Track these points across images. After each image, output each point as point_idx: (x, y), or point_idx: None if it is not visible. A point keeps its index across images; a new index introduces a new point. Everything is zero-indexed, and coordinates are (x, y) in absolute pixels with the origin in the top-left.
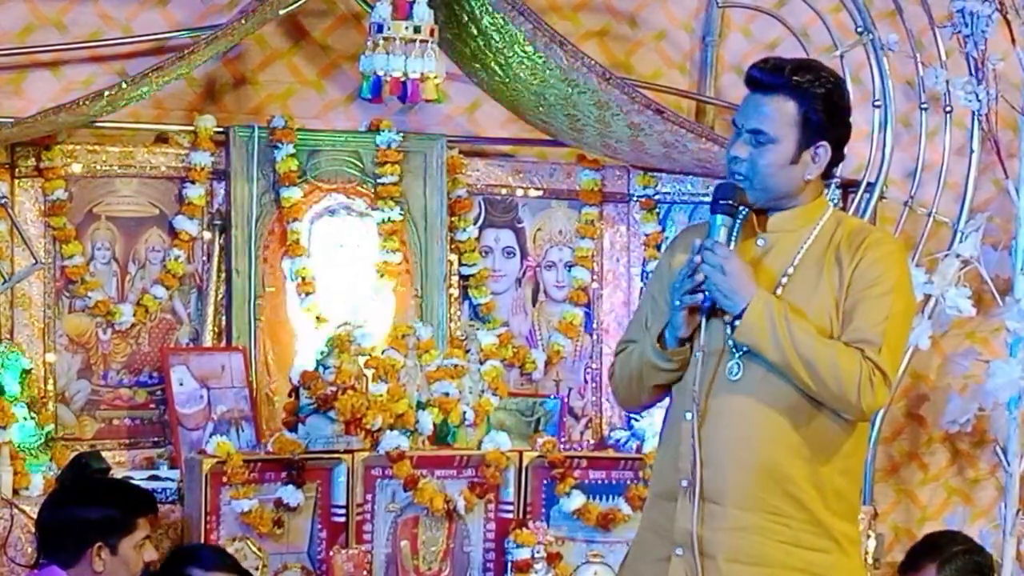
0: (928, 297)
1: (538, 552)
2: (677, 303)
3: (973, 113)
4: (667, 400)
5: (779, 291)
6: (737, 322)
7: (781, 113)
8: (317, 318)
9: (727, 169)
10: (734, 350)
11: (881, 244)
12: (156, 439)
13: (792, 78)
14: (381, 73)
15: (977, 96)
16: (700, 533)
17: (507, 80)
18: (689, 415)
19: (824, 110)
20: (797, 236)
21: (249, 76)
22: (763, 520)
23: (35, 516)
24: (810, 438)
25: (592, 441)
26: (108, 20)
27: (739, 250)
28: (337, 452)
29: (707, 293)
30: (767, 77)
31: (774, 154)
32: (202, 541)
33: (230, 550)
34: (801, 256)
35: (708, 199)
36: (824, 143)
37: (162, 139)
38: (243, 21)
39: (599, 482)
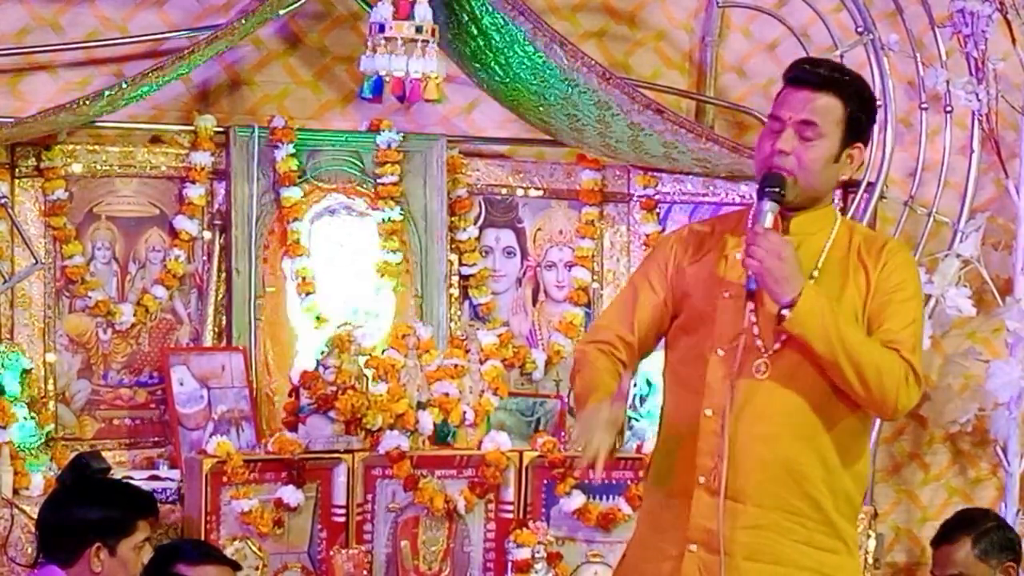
0: (928, 297)
1: (538, 552)
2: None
3: (973, 113)
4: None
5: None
6: (786, 311)
7: (829, 110)
8: (317, 318)
9: (763, 164)
10: (763, 348)
11: (900, 251)
12: (156, 439)
13: (840, 77)
14: (383, 73)
15: (977, 96)
16: (717, 531)
17: (507, 80)
18: (709, 411)
19: (865, 111)
20: (818, 239)
21: (245, 77)
22: (781, 519)
23: (35, 516)
24: (830, 440)
25: None
26: (105, 21)
27: None
28: (337, 452)
29: (753, 277)
30: (815, 74)
31: (821, 150)
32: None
33: (230, 550)
34: (824, 259)
35: (708, 199)
36: (860, 144)
37: (156, 139)
38: (243, 21)
39: (599, 482)
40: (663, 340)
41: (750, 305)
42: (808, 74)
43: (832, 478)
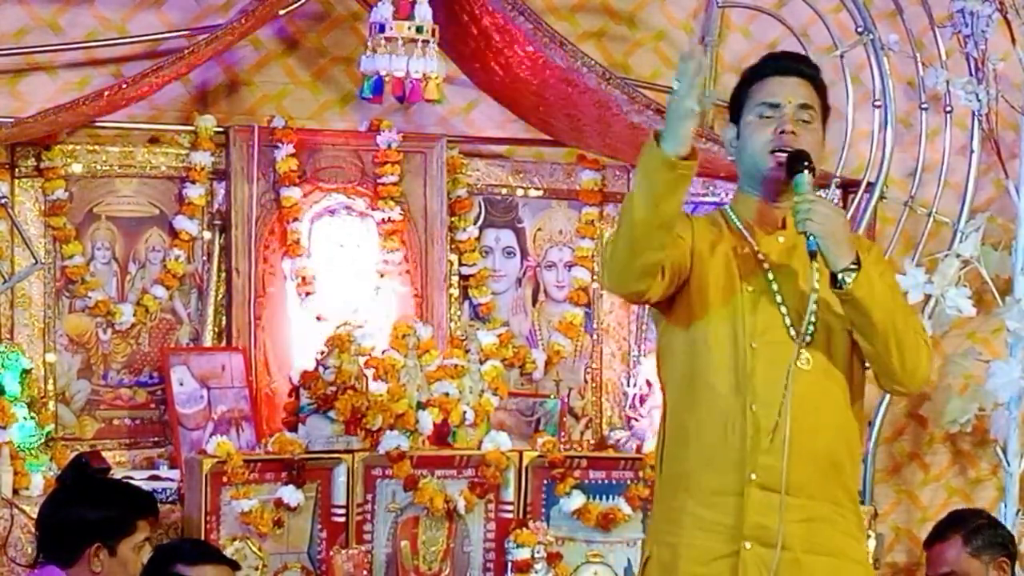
0: (928, 297)
1: (538, 552)
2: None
3: (973, 113)
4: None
5: (818, 283)
6: (848, 276)
7: (816, 98)
8: (317, 318)
9: (770, 146)
10: (797, 339)
11: (873, 244)
12: (156, 439)
13: (816, 71)
14: (383, 73)
15: (977, 96)
16: (774, 525)
17: (507, 80)
18: (755, 407)
19: (828, 106)
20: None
21: (243, 77)
22: (829, 511)
23: (35, 516)
24: (854, 429)
25: (592, 441)
26: (104, 22)
27: (763, 244)
28: (337, 452)
29: (814, 239)
30: (798, 66)
31: (817, 134)
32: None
33: (230, 550)
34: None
35: (708, 199)
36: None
37: (154, 140)
38: (243, 21)
39: (599, 482)
40: (660, 347)
41: (815, 265)
42: (792, 66)
43: (853, 467)
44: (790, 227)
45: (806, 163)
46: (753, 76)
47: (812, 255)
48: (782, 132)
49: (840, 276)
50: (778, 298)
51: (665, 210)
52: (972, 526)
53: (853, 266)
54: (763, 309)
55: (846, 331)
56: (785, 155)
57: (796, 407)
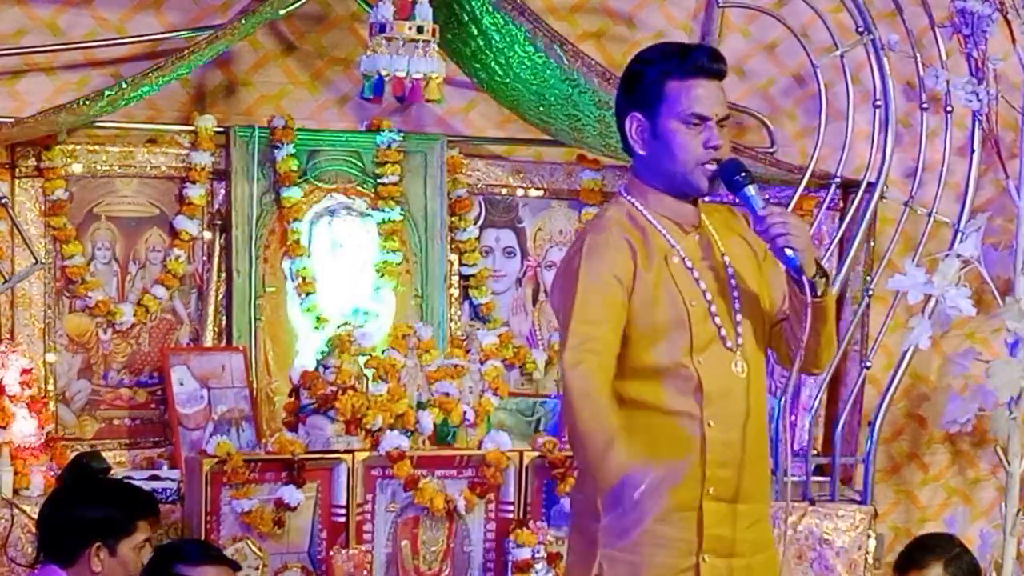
0: (928, 297)
1: (538, 552)
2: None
3: (973, 113)
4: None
5: (733, 281)
6: (819, 285)
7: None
8: (317, 318)
9: (703, 159)
10: (732, 346)
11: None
12: (156, 439)
13: (727, 65)
14: (384, 73)
15: (977, 96)
16: (728, 535)
17: (507, 80)
18: (712, 422)
19: None
20: (705, 227)
21: (242, 78)
22: (765, 508)
23: (35, 516)
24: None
25: None
26: (102, 22)
27: (686, 246)
28: (337, 452)
29: (791, 254)
30: (720, 68)
31: (729, 139)
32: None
33: (230, 550)
34: (722, 244)
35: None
36: None
37: (151, 140)
38: (243, 21)
39: None
40: None
41: (802, 289)
42: (715, 68)
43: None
44: (701, 224)
45: (745, 174)
46: (670, 71)
47: (798, 271)
48: (715, 147)
49: (815, 285)
50: (713, 307)
51: None
52: (952, 553)
53: (819, 273)
54: (703, 322)
55: (761, 329)
56: (718, 167)
57: (739, 416)
